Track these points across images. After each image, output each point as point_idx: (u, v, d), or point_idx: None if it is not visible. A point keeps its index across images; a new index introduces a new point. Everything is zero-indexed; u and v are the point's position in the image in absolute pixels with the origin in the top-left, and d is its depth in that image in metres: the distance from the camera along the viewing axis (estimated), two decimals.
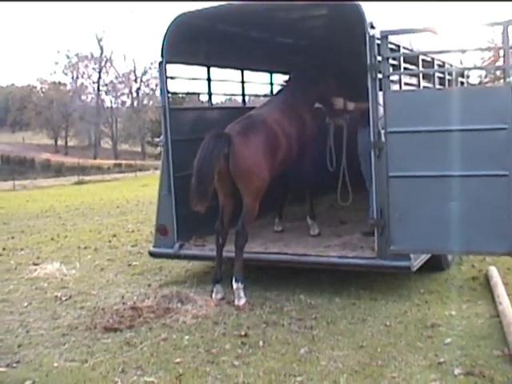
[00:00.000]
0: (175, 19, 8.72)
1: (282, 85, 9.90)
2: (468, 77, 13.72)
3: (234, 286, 7.76)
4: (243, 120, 8.30)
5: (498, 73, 41.90)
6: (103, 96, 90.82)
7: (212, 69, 10.35)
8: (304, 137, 9.08)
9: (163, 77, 9.03)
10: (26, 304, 8.42)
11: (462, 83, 12.54)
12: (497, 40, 47.22)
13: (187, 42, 9.23)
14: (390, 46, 7.51)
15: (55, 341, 6.84)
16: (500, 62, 41.38)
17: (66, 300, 8.50)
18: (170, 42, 8.83)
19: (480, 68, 49.93)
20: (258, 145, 7.99)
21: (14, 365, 6.20)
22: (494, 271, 8.37)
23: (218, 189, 7.98)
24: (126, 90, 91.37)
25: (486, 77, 49.86)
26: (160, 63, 9.00)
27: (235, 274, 7.81)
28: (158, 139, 9.38)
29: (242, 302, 7.65)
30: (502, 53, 6.91)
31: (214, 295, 7.94)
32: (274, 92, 10.83)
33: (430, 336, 6.36)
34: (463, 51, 11.24)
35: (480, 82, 46.16)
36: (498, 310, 6.90)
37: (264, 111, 8.77)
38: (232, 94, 12.59)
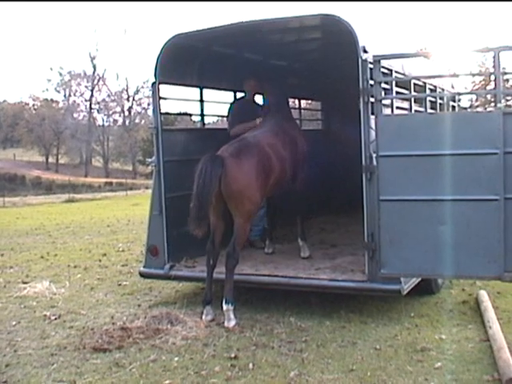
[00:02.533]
0: (169, 40, 8.76)
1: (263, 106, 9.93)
2: (459, 100, 13.79)
3: (224, 307, 7.73)
4: (236, 142, 8.29)
5: (489, 96, 42.29)
6: (95, 114, 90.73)
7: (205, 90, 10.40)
8: (296, 159, 9.13)
9: (156, 97, 9.05)
10: (14, 323, 8.37)
11: (454, 107, 12.62)
12: (488, 64, 47.65)
13: (181, 63, 9.27)
14: (383, 70, 7.56)
15: (43, 361, 6.78)
16: (490, 86, 41.72)
17: (55, 319, 8.45)
18: (164, 62, 8.86)
19: (471, 93, 50.17)
20: (251, 167, 7.98)
21: None
22: (484, 295, 8.38)
23: (210, 210, 7.97)
24: (118, 109, 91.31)
25: (476, 100, 50.26)
26: (153, 84, 9.03)
27: (225, 295, 7.79)
28: (149, 160, 9.39)
29: (232, 323, 7.62)
30: (492, 77, 6.96)
31: (204, 317, 7.90)
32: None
33: (420, 360, 6.35)
34: (455, 76, 11.33)
35: (471, 106, 46.50)
36: (488, 335, 6.90)
37: (258, 134, 8.76)
38: (225, 116, 12.62)
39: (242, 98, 10.32)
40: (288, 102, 10.33)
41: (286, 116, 9.56)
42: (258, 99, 10.37)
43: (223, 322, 7.68)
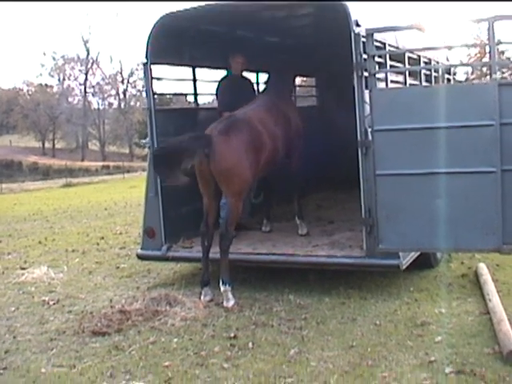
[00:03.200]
0: (159, 20, 8.69)
1: (265, 83, 9.88)
2: (455, 74, 13.75)
3: (222, 288, 7.72)
4: (226, 119, 8.20)
5: (485, 69, 42.13)
6: (90, 98, 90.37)
7: (198, 69, 10.32)
8: (290, 137, 9.04)
9: (148, 78, 9.00)
10: (13, 309, 8.36)
11: (449, 80, 12.56)
12: (482, 36, 47.45)
13: (171, 42, 9.19)
14: (376, 43, 7.49)
15: (43, 346, 6.77)
16: (486, 59, 41.55)
17: (54, 304, 8.44)
18: (154, 43, 8.78)
19: (466, 65, 50.08)
20: (240, 144, 7.87)
21: (1, 371, 6.14)
22: (483, 268, 8.37)
23: (202, 190, 7.94)
24: (113, 92, 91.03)
25: (472, 73, 50.12)
26: (145, 64, 8.96)
27: (222, 276, 7.78)
28: (144, 141, 9.32)
29: (231, 303, 7.61)
30: (487, 49, 6.90)
31: (202, 297, 7.89)
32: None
33: (420, 334, 6.34)
34: (449, 48, 11.25)
35: (466, 79, 46.37)
36: (487, 307, 6.89)
37: (248, 110, 8.64)
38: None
39: (229, 74, 10.08)
40: (290, 79, 10.20)
41: (280, 93, 9.39)
42: (249, 76, 10.28)
43: (222, 302, 7.67)
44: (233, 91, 9.50)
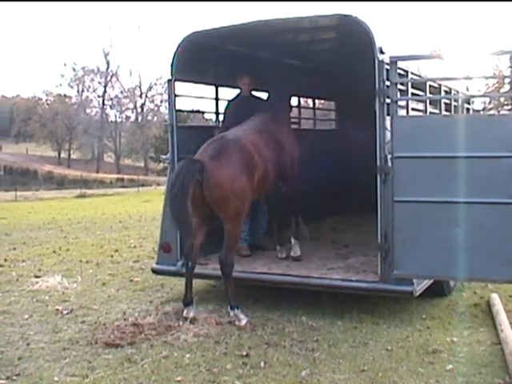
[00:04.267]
0: (186, 37, 8.79)
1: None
2: (473, 102, 13.76)
3: (231, 313, 7.76)
4: (215, 142, 8.05)
5: (502, 99, 42.14)
6: (108, 110, 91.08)
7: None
8: (283, 159, 8.91)
9: (172, 94, 9.08)
10: (26, 316, 8.41)
11: (468, 110, 12.61)
12: (501, 66, 47.43)
13: (197, 60, 9.29)
14: (399, 71, 7.56)
15: (56, 354, 6.81)
16: (504, 89, 41.56)
17: (67, 314, 8.49)
18: (180, 59, 8.88)
19: (486, 96, 50.01)
20: (233, 169, 7.73)
21: (14, 377, 6.17)
22: (495, 298, 8.37)
23: (193, 213, 7.80)
24: (131, 105, 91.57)
25: (489, 103, 50.08)
26: (169, 81, 9.05)
27: (229, 302, 7.81)
28: (164, 156, 9.42)
29: (244, 322, 7.63)
30: (507, 80, 6.95)
31: (185, 313, 7.84)
32: None
33: (431, 362, 6.35)
34: (469, 78, 11.31)
35: (484, 109, 46.33)
36: (499, 338, 6.89)
37: (238, 131, 8.52)
38: None
39: (239, 94, 10.06)
40: (288, 102, 9.98)
41: (276, 115, 9.22)
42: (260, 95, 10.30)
43: (234, 321, 7.70)
44: (240, 111, 9.38)
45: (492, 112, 38.93)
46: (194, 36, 8.80)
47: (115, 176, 74.51)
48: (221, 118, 10.26)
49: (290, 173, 9.19)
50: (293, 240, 9.33)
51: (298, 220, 9.51)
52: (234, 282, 7.96)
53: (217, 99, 10.32)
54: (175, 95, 9.12)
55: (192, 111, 12.12)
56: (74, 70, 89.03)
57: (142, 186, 56.28)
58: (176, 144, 8.99)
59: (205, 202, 7.67)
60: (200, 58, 9.34)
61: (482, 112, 28.21)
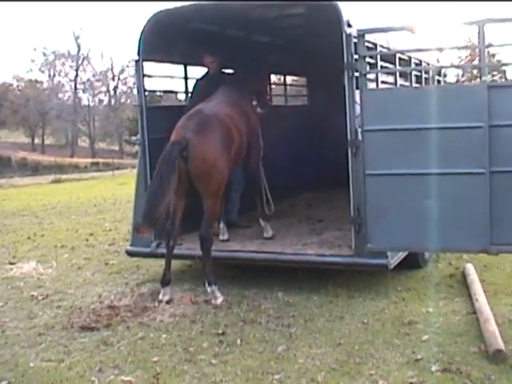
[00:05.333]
0: (151, 17, 8.68)
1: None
2: (445, 76, 13.81)
3: (208, 289, 7.76)
4: (195, 116, 7.99)
5: (475, 72, 42.32)
6: (80, 94, 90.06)
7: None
8: (249, 135, 8.90)
9: (140, 75, 9.00)
10: (1, 303, 8.37)
11: (439, 82, 12.62)
12: (474, 39, 47.64)
13: (163, 40, 9.18)
14: (367, 44, 7.53)
15: (31, 340, 6.79)
16: (476, 61, 41.71)
17: (43, 299, 8.45)
18: (147, 39, 8.78)
19: (456, 66, 50.33)
20: (216, 143, 7.79)
21: None
22: (470, 268, 8.43)
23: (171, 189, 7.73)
24: (104, 88, 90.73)
25: (463, 76, 50.32)
26: (136, 61, 8.96)
27: (207, 277, 7.80)
28: (134, 138, 9.33)
29: (220, 300, 7.64)
30: (478, 51, 6.95)
31: (161, 296, 7.84)
32: None
33: (407, 333, 6.40)
34: (440, 50, 11.32)
35: (457, 81, 46.55)
36: (474, 307, 6.95)
37: (214, 105, 8.43)
38: None
39: (208, 73, 9.94)
40: (256, 79, 9.69)
41: (241, 90, 9.14)
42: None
43: (211, 300, 7.70)
44: (207, 90, 9.16)
45: (465, 84, 39.06)
46: (159, 15, 8.69)
47: (90, 160, 73.94)
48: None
49: (255, 146, 9.17)
50: (262, 221, 9.27)
51: (264, 199, 9.38)
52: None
53: (186, 78, 10.24)
54: (143, 76, 9.03)
55: (162, 91, 12.02)
56: (44, 54, 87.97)
57: (117, 169, 55.85)
58: (146, 125, 8.91)
59: (186, 177, 7.65)
60: (167, 37, 9.24)
61: (454, 84, 28.32)
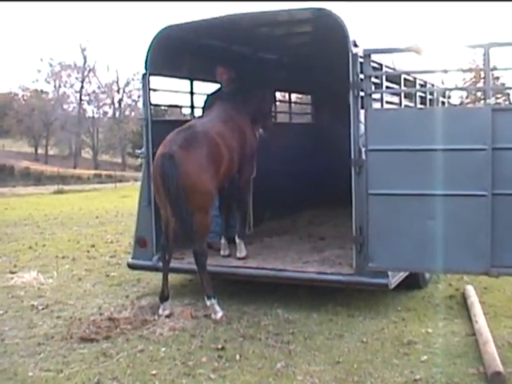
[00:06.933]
0: (160, 32, 8.74)
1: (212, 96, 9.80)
2: (449, 97, 13.85)
3: (208, 303, 7.74)
4: (184, 131, 8.04)
5: (479, 94, 42.39)
6: (85, 106, 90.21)
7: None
8: (243, 153, 8.94)
9: (146, 89, 9.04)
10: (1, 312, 8.39)
11: (444, 103, 12.67)
12: (478, 61, 47.78)
13: (171, 54, 9.25)
14: (373, 64, 7.58)
15: (30, 350, 6.80)
16: (481, 84, 41.83)
17: (43, 309, 8.46)
18: (154, 54, 8.84)
19: (461, 89, 50.35)
20: (201, 159, 7.79)
21: None
22: (470, 290, 8.43)
23: (161, 204, 7.92)
24: (108, 101, 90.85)
25: (467, 97, 50.40)
26: (143, 75, 9.01)
27: (205, 291, 7.79)
28: (139, 151, 9.32)
29: (219, 315, 7.64)
30: (483, 74, 7.01)
31: (161, 311, 7.85)
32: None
33: (406, 353, 6.39)
34: (445, 71, 11.37)
35: (461, 103, 46.61)
36: (474, 329, 6.95)
37: (206, 122, 8.55)
38: None
39: (220, 89, 9.92)
40: (257, 94, 9.80)
41: (239, 105, 9.21)
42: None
43: (210, 314, 7.70)
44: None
45: (469, 106, 39.13)
46: (168, 30, 8.75)
47: (93, 172, 73.98)
48: (196, 111, 10.25)
49: (248, 163, 9.20)
50: (237, 239, 9.17)
51: (246, 218, 9.39)
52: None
53: (192, 93, 10.29)
54: (150, 89, 9.08)
55: (168, 106, 12.06)
56: (50, 65, 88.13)
57: (120, 181, 55.78)
58: (151, 138, 8.94)
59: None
60: (174, 52, 9.30)
61: (458, 106, 28.39)
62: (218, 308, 7.72)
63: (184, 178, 7.55)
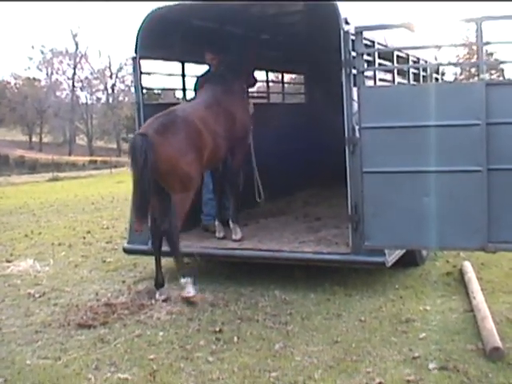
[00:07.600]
0: (149, 14, 8.65)
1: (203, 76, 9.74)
2: (443, 74, 13.81)
3: (182, 281, 7.72)
4: (163, 116, 7.95)
5: (473, 70, 42.33)
6: (78, 92, 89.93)
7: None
8: (234, 134, 8.86)
9: (137, 72, 8.97)
10: None
11: (437, 80, 12.61)
12: (471, 37, 47.69)
13: (162, 37, 9.15)
14: (365, 41, 7.52)
15: (28, 338, 6.79)
16: (475, 59, 41.76)
17: (40, 297, 8.44)
18: (144, 36, 8.76)
19: (454, 64, 50.28)
20: (178, 143, 7.71)
21: None
22: (468, 266, 8.42)
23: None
24: (102, 87, 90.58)
25: (461, 74, 50.37)
26: (134, 58, 8.93)
27: (179, 272, 7.81)
28: (131, 135, 9.28)
29: (191, 294, 7.61)
30: (476, 49, 6.96)
31: (157, 296, 7.84)
32: None
33: (404, 331, 6.39)
34: (438, 47, 11.32)
35: (455, 79, 46.57)
36: (472, 305, 6.95)
37: (188, 107, 8.52)
38: None
39: (209, 70, 9.86)
40: (244, 74, 9.70)
41: (226, 87, 9.10)
42: None
43: (207, 297, 7.75)
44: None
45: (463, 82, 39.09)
46: (158, 11, 8.66)
47: (88, 158, 73.85)
48: (188, 94, 10.18)
49: (241, 146, 9.16)
50: (231, 223, 9.13)
51: (238, 201, 9.31)
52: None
53: (183, 76, 10.21)
54: (141, 73, 9.01)
55: (160, 89, 11.96)
56: (42, 52, 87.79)
57: (115, 167, 55.78)
58: (143, 122, 8.87)
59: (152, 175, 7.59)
60: (165, 34, 9.21)
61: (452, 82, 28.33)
62: (191, 288, 7.68)
63: (160, 164, 7.49)
